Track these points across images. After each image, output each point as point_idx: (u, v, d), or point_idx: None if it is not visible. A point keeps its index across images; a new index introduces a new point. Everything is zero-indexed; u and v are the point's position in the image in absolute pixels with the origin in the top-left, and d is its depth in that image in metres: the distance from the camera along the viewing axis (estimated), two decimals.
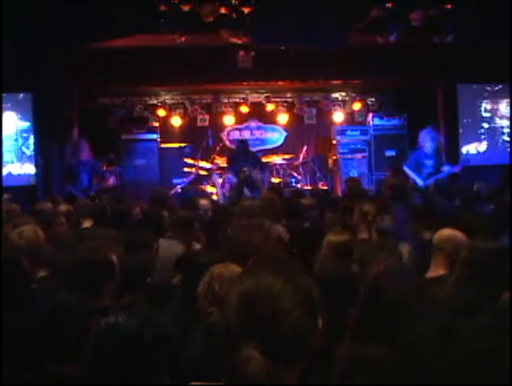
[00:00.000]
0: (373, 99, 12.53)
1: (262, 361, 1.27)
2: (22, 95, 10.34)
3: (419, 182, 8.92)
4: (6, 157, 10.24)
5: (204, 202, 6.63)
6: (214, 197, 10.98)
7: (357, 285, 2.79)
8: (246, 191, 10.06)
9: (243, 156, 10.82)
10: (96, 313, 2.70)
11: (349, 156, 12.26)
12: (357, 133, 12.37)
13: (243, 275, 1.46)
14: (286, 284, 1.35)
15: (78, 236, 5.21)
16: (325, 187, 11.73)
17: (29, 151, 10.42)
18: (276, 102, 12.48)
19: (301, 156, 12.23)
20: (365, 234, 4.49)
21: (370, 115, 12.38)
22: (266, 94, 12.36)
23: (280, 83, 11.67)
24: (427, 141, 9.01)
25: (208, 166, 11.89)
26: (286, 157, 12.23)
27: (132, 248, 4.09)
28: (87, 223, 5.91)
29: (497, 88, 11.54)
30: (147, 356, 2.72)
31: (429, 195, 7.77)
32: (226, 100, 12.30)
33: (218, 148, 12.10)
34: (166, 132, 12.36)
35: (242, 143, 11.28)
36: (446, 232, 3.57)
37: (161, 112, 12.24)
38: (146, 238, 4.54)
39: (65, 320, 2.37)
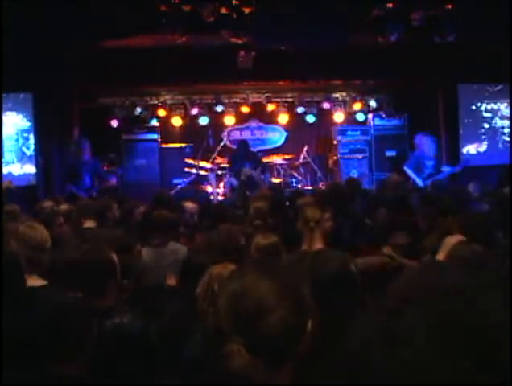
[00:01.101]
0: (373, 99, 12.52)
1: (247, 356, 1.28)
2: (22, 95, 10.34)
3: (419, 182, 8.94)
4: (7, 157, 10.24)
5: (190, 205, 6.59)
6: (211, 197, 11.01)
7: (354, 284, 2.79)
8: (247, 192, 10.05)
9: (243, 156, 10.84)
10: (100, 313, 2.70)
11: (350, 156, 12.26)
12: (358, 133, 12.37)
13: (232, 275, 1.47)
14: (273, 283, 1.35)
15: (79, 236, 5.21)
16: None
17: (29, 151, 10.43)
18: (276, 102, 12.48)
19: (301, 156, 12.23)
20: (306, 244, 4.00)
21: (371, 115, 12.38)
22: (266, 94, 12.36)
23: (281, 83, 11.67)
24: (425, 146, 9.06)
25: (208, 166, 11.89)
26: (287, 157, 12.23)
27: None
28: (88, 223, 5.91)
29: (497, 88, 11.53)
30: (151, 357, 2.72)
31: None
32: (227, 101, 12.30)
33: (219, 148, 12.09)
34: (166, 132, 12.37)
35: (243, 143, 11.29)
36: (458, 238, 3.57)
37: (161, 113, 12.24)
38: (128, 241, 4.52)
39: (65, 320, 2.37)
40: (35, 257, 3.54)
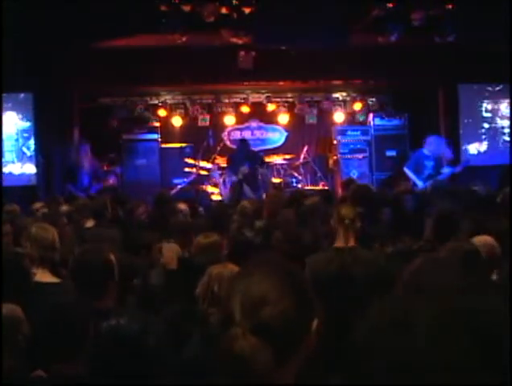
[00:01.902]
0: (373, 99, 12.52)
1: (252, 338, 1.28)
2: (22, 95, 10.34)
3: (419, 183, 8.92)
4: (7, 157, 10.24)
5: (182, 206, 6.61)
6: (217, 197, 11.00)
7: (353, 285, 2.80)
8: (248, 191, 10.04)
9: (243, 156, 10.83)
10: (100, 315, 2.69)
11: (350, 156, 12.24)
12: (358, 133, 12.36)
13: (240, 273, 1.49)
14: (279, 280, 1.37)
15: (80, 236, 5.22)
16: (326, 187, 11.72)
17: (29, 151, 10.42)
18: (277, 102, 12.47)
19: (302, 156, 12.22)
20: (341, 241, 4.10)
21: (371, 115, 12.37)
22: (266, 94, 12.35)
23: (281, 83, 11.66)
24: (435, 147, 9.06)
25: (208, 166, 11.90)
26: (287, 157, 12.22)
27: (131, 249, 4.09)
28: (89, 223, 5.92)
29: (497, 88, 11.52)
30: (149, 358, 2.72)
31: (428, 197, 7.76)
32: (227, 100, 12.29)
33: (219, 148, 12.10)
34: (166, 132, 12.35)
35: (243, 143, 11.29)
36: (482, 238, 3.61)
37: (162, 113, 12.23)
38: (146, 239, 4.52)
39: (64, 320, 2.37)
40: (47, 256, 3.69)
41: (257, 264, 1.48)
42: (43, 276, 3.62)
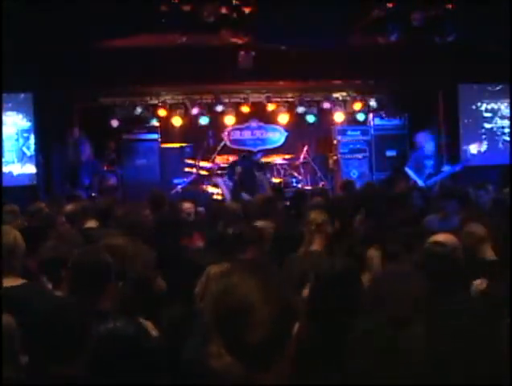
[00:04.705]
0: (373, 99, 12.51)
1: (227, 357, 1.28)
2: (22, 95, 10.35)
3: (420, 182, 8.95)
4: (7, 157, 10.25)
5: (187, 205, 6.60)
6: (219, 197, 11.00)
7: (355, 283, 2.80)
8: (245, 196, 10.03)
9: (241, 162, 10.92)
10: (98, 316, 2.69)
11: (350, 156, 12.25)
12: (358, 133, 12.37)
13: (221, 275, 1.48)
14: (259, 284, 1.34)
15: (83, 236, 5.20)
16: (325, 187, 11.72)
17: (30, 151, 10.43)
18: (277, 102, 12.47)
19: (302, 156, 12.23)
20: (306, 245, 4.14)
21: (371, 115, 12.37)
22: (266, 94, 12.35)
23: (281, 83, 11.67)
24: (426, 142, 9.10)
25: (208, 166, 11.90)
26: (287, 157, 12.23)
27: None
28: (90, 223, 5.91)
29: (497, 88, 11.53)
30: (146, 359, 2.72)
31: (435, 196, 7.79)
32: (227, 100, 12.29)
33: (219, 148, 12.11)
34: (166, 132, 12.36)
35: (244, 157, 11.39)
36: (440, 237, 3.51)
37: (162, 112, 12.22)
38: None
39: (64, 321, 2.37)
40: (8, 259, 3.50)
41: (236, 267, 1.46)
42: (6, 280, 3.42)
